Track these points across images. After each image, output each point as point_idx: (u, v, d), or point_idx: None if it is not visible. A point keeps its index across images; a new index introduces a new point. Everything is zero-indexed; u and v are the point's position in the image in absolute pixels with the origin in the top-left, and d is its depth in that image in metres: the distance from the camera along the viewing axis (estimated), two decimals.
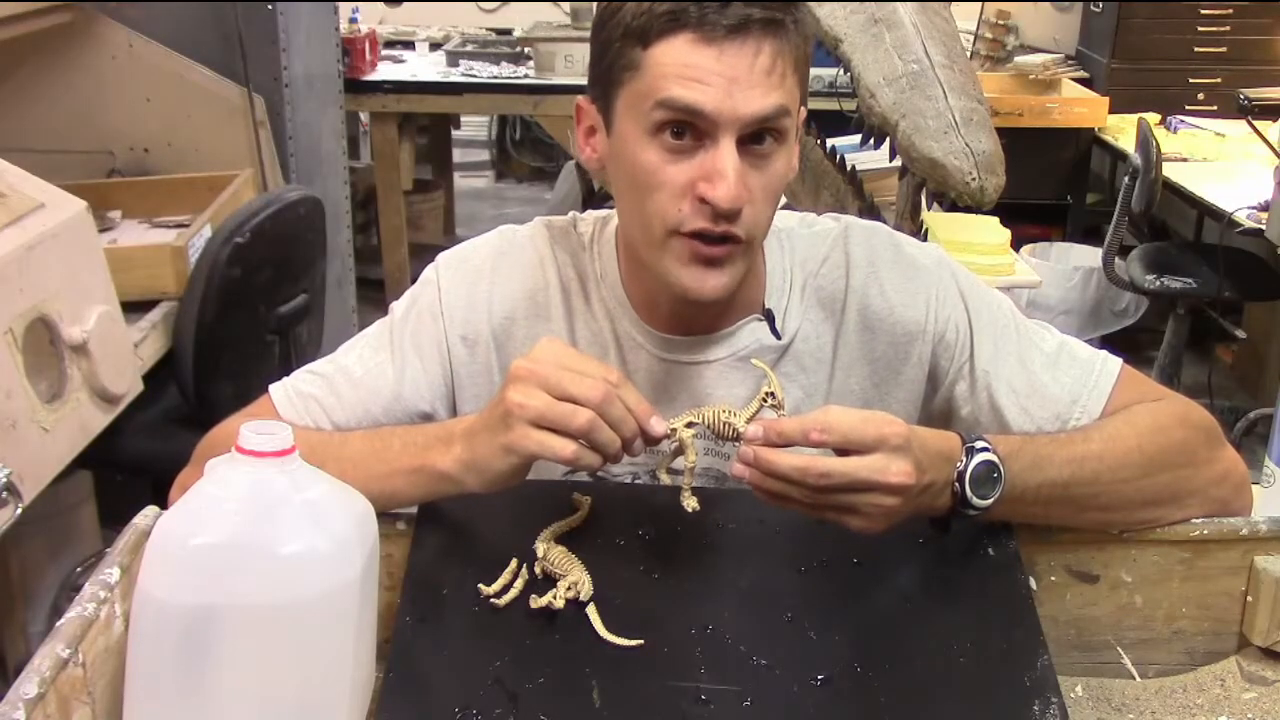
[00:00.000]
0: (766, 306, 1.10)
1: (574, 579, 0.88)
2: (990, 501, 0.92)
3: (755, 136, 0.96)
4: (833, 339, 1.11)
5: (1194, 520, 0.98)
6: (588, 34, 1.05)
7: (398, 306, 1.15)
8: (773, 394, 0.91)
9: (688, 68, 0.93)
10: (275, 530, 0.79)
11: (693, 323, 1.09)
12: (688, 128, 0.95)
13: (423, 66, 4.43)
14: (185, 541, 0.79)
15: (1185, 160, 3.96)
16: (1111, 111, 4.34)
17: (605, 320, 1.11)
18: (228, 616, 0.77)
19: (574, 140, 1.08)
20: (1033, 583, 0.93)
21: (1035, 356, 1.09)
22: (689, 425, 0.91)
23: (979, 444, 0.92)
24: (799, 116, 1.03)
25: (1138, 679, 0.97)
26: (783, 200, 2.49)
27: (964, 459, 0.91)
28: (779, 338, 1.10)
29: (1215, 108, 4.46)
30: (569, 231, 1.15)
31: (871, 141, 1.73)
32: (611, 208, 1.11)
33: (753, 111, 0.94)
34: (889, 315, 1.10)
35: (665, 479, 0.94)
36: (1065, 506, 0.97)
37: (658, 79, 0.95)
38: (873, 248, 1.12)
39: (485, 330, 1.11)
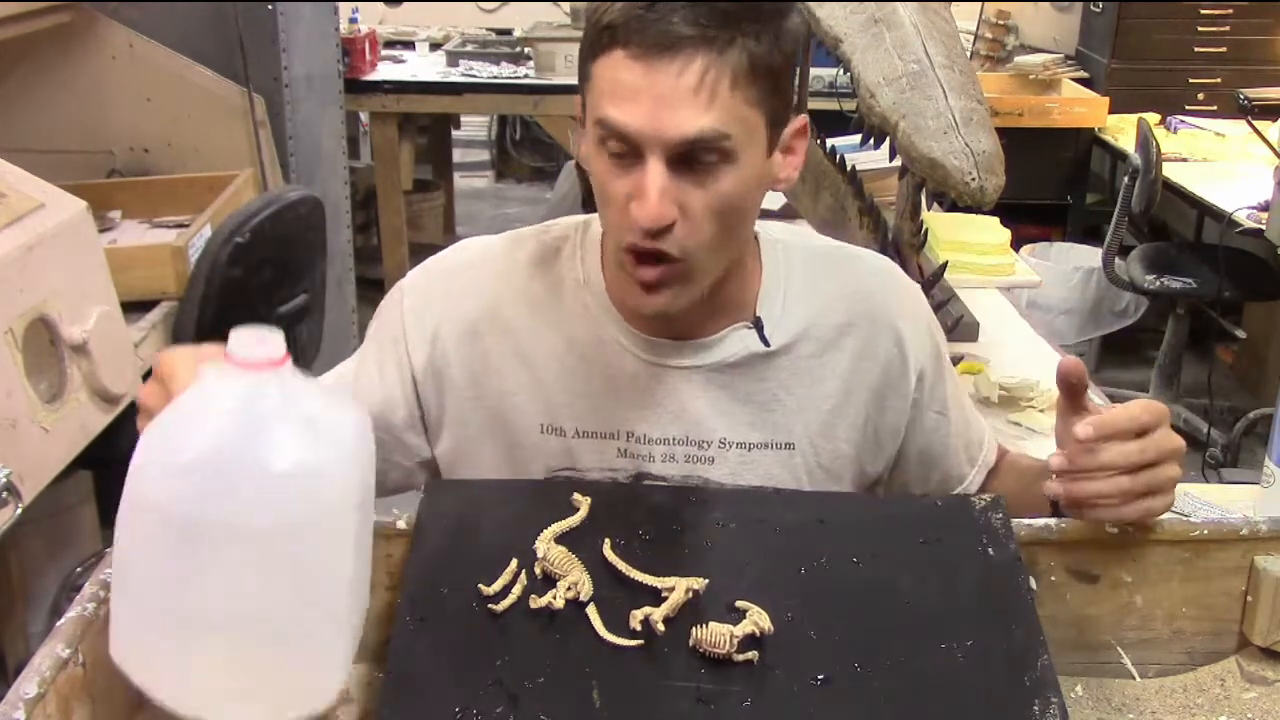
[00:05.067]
0: (757, 314, 1.10)
1: (574, 579, 0.88)
2: None
3: (694, 153, 0.95)
4: (846, 363, 1.12)
5: (1194, 520, 0.98)
6: None
7: (370, 326, 1.17)
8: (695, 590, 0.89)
9: (618, 85, 0.94)
10: (270, 443, 0.75)
11: (675, 327, 1.09)
12: (626, 143, 0.96)
13: (423, 66, 4.43)
14: (176, 454, 0.75)
15: (1185, 160, 3.96)
16: (1111, 111, 4.34)
17: (587, 326, 1.10)
18: (217, 531, 0.74)
19: (575, 140, 1.09)
20: (1033, 583, 0.93)
21: (964, 395, 1.24)
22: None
23: None
24: (792, 126, 1.02)
25: (1138, 679, 0.97)
26: (782, 200, 2.49)
27: None
28: (767, 345, 1.10)
29: (1215, 108, 4.46)
30: (541, 240, 1.15)
31: (871, 141, 1.72)
32: None
33: (679, 134, 0.93)
34: (900, 351, 1.14)
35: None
36: None
37: (597, 96, 0.96)
38: (903, 290, 1.18)
39: (447, 348, 1.12)
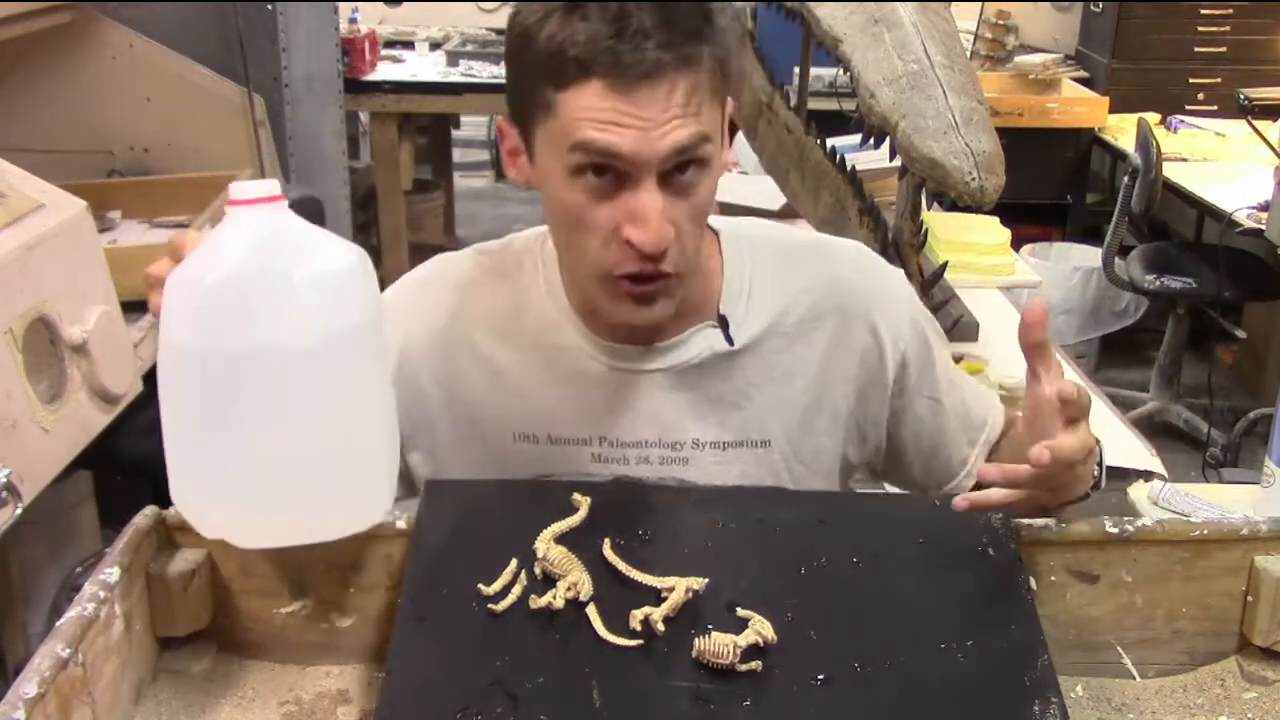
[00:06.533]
0: (721, 312, 1.10)
1: (574, 579, 0.88)
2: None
3: (678, 168, 0.95)
4: (818, 356, 1.12)
5: (1194, 520, 0.98)
6: None
7: None
8: (694, 590, 0.88)
9: (601, 112, 0.92)
10: (284, 260, 0.80)
11: (640, 334, 1.09)
12: (608, 169, 0.94)
13: (423, 66, 4.43)
14: (197, 284, 0.79)
15: (1185, 160, 3.96)
16: (1111, 111, 4.34)
17: (553, 334, 1.10)
18: (252, 349, 0.78)
19: (508, 164, 1.07)
20: (1033, 583, 0.93)
21: (960, 376, 1.22)
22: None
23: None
24: (725, 123, 1.02)
25: (1138, 679, 0.97)
26: (782, 200, 2.49)
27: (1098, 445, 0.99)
28: (732, 344, 1.10)
29: (1215, 108, 4.45)
30: (504, 254, 1.15)
31: (871, 141, 1.72)
32: None
33: (670, 146, 0.93)
34: (876, 341, 1.13)
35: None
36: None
37: (573, 123, 0.93)
38: (878, 279, 1.16)
39: (417, 361, 1.12)
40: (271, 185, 0.82)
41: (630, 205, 0.95)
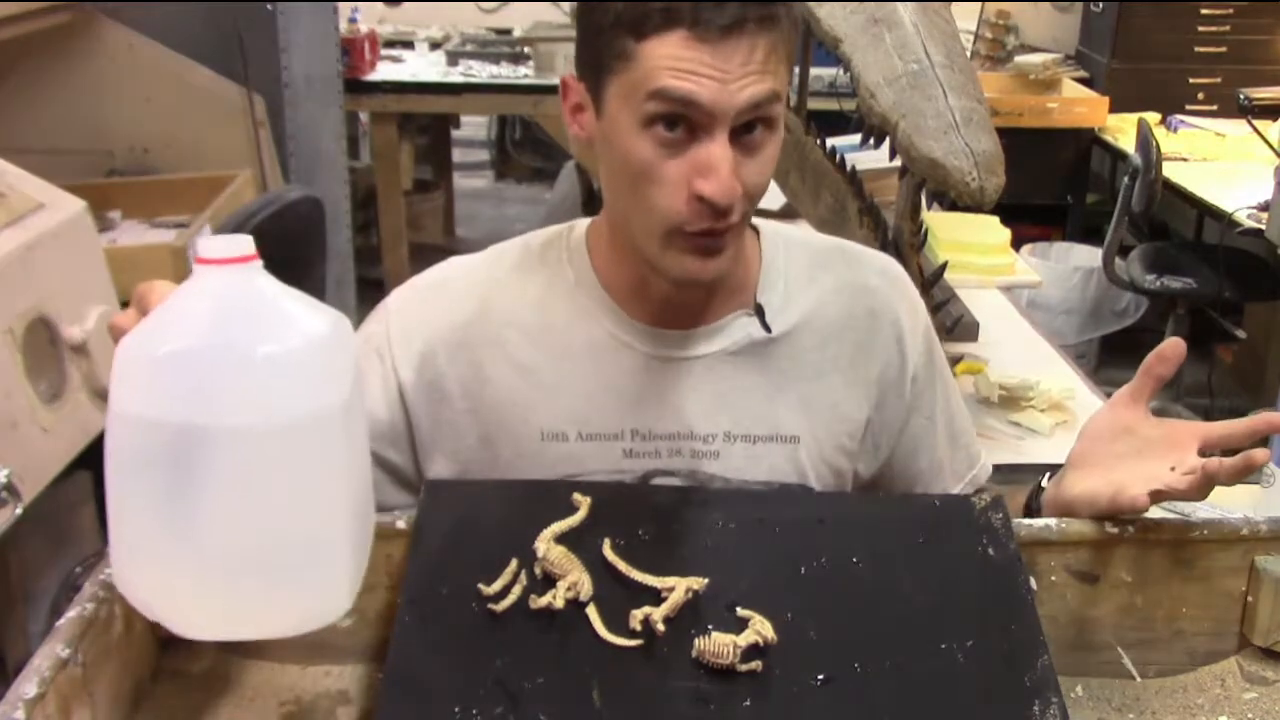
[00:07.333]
0: (758, 301, 1.11)
1: (574, 579, 0.88)
2: None
3: (746, 126, 0.96)
4: (848, 357, 1.13)
5: (1194, 520, 0.98)
6: None
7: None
8: (694, 589, 0.88)
9: (682, 61, 0.93)
10: (245, 333, 0.73)
11: (683, 314, 1.09)
12: (681, 120, 0.95)
13: (422, 66, 4.44)
14: (152, 353, 0.72)
15: (1185, 160, 3.96)
16: (1111, 111, 4.34)
17: (583, 326, 1.09)
18: (206, 430, 0.71)
19: (573, 133, 1.07)
20: (1033, 583, 0.93)
21: (961, 413, 1.23)
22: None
23: None
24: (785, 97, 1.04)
25: (1138, 679, 0.97)
26: (782, 200, 2.48)
27: None
28: (769, 331, 1.10)
29: (1215, 108, 4.46)
30: (525, 250, 1.14)
31: (871, 141, 1.72)
32: None
33: (747, 99, 0.94)
34: (900, 349, 1.15)
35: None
36: None
37: (651, 71, 0.94)
38: (905, 290, 1.18)
39: (440, 362, 1.10)
40: (245, 244, 0.74)
41: (700, 157, 0.96)
